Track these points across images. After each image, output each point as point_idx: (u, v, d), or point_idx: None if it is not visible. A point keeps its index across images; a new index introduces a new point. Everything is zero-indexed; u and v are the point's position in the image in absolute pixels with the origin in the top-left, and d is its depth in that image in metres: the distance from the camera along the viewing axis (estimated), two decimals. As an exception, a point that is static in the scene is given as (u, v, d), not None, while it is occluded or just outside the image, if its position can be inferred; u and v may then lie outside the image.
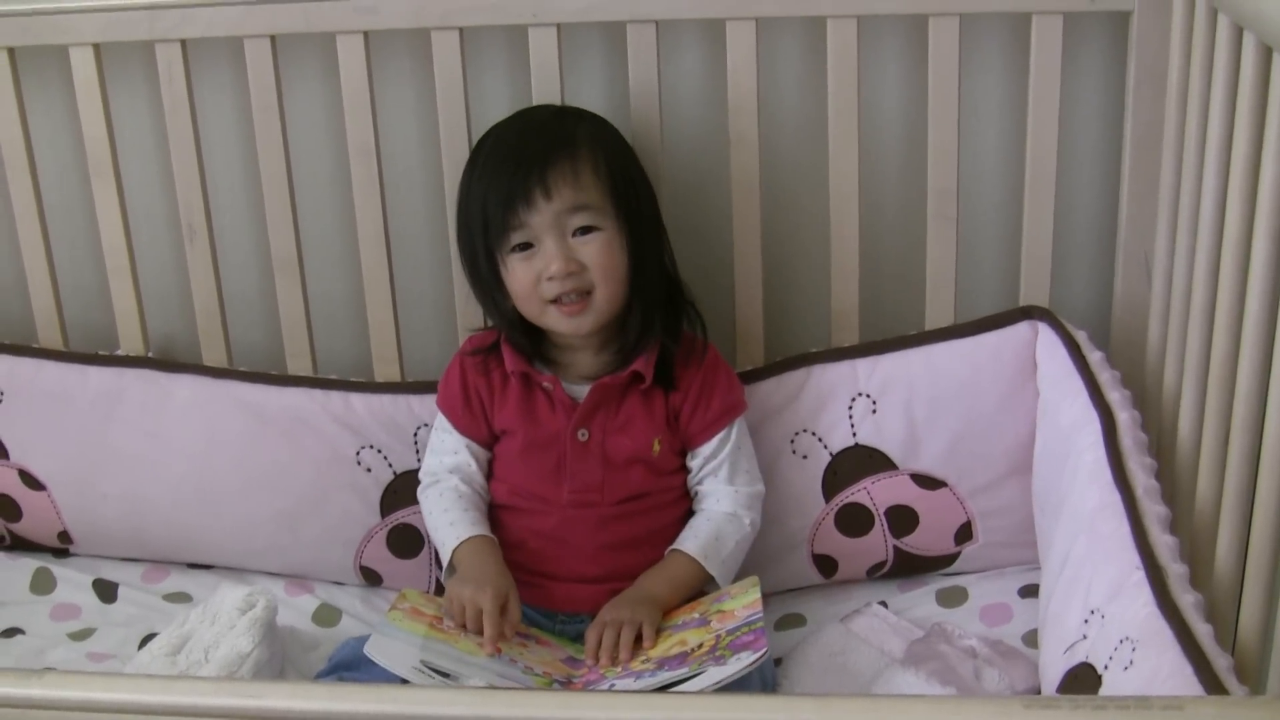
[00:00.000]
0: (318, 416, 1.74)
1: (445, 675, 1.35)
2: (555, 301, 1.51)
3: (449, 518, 1.56)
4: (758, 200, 1.69)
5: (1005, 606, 1.63)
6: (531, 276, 1.50)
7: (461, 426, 1.60)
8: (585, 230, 1.49)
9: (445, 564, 1.55)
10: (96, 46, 1.74)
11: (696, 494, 1.60)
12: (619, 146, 1.56)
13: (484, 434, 1.60)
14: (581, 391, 1.56)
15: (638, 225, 1.53)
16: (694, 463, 1.59)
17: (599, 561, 1.56)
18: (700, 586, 1.55)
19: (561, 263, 1.48)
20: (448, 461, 1.60)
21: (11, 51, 1.76)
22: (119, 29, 1.72)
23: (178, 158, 1.77)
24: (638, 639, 1.45)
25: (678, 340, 1.58)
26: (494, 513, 1.60)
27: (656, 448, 1.56)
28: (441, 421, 1.62)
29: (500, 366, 1.58)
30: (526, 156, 1.49)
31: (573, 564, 1.56)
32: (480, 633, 1.43)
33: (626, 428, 1.56)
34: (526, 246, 1.51)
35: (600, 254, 1.49)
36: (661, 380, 1.56)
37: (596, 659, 1.45)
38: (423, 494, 1.62)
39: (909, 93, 1.70)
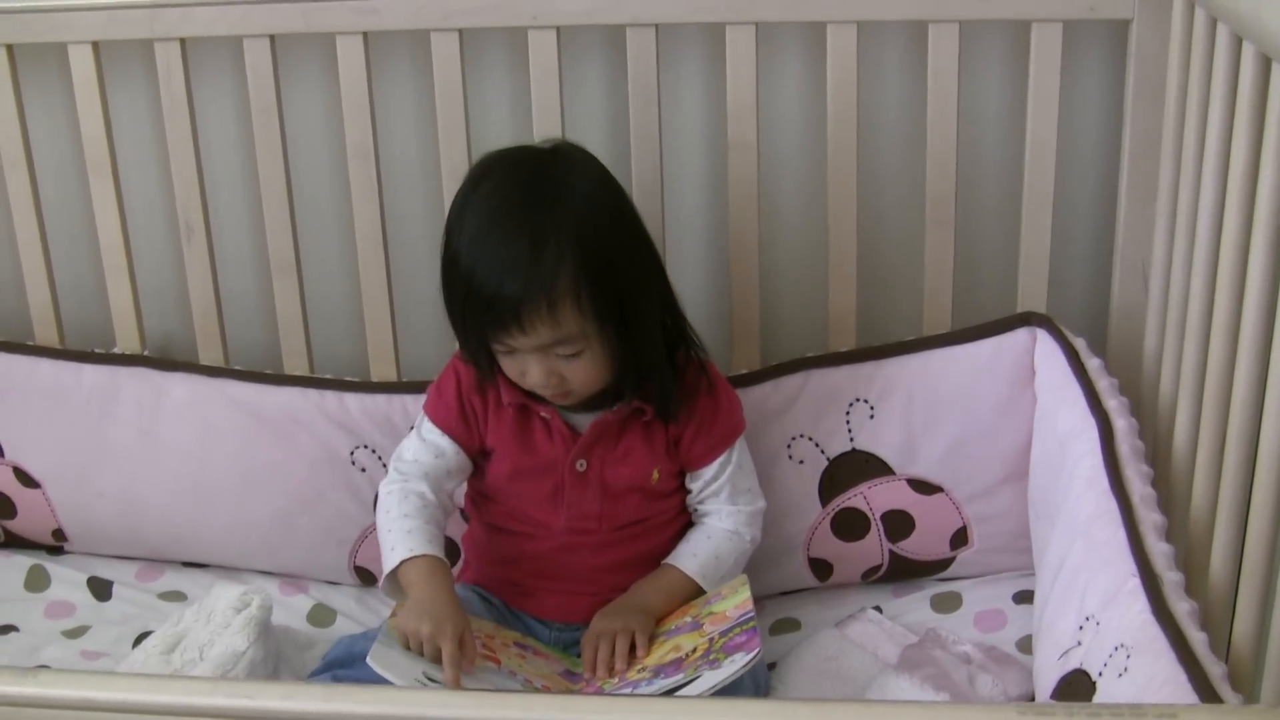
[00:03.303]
0: (312, 416, 1.74)
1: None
2: None
3: (408, 525, 1.47)
4: (756, 204, 1.69)
5: (1000, 612, 1.63)
6: (515, 371, 1.47)
7: (455, 434, 1.54)
8: (567, 355, 1.44)
9: (389, 568, 1.46)
10: (95, 44, 1.74)
11: (696, 511, 1.58)
12: (603, 244, 1.42)
13: (476, 446, 1.55)
14: (580, 420, 1.52)
15: (626, 326, 1.45)
16: (694, 484, 1.56)
17: (596, 581, 1.54)
18: (693, 598, 1.53)
19: (541, 379, 1.44)
20: (425, 462, 1.53)
21: (10, 49, 1.76)
22: (118, 27, 1.72)
23: (176, 157, 1.77)
24: (632, 648, 1.44)
25: (679, 376, 1.53)
26: (491, 534, 1.58)
27: (655, 476, 1.53)
28: (429, 424, 1.56)
29: (496, 387, 1.53)
30: (502, 296, 1.40)
31: (569, 581, 1.55)
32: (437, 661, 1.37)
33: (626, 458, 1.52)
34: (510, 350, 1.45)
35: (581, 372, 1.44)
36: (662, 413, 1.52)
37: (594, 671, 1.44)
38: (386, 488, 1.53)
39: (908, 98, 1.70)
